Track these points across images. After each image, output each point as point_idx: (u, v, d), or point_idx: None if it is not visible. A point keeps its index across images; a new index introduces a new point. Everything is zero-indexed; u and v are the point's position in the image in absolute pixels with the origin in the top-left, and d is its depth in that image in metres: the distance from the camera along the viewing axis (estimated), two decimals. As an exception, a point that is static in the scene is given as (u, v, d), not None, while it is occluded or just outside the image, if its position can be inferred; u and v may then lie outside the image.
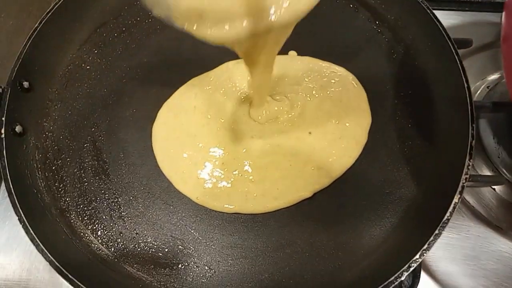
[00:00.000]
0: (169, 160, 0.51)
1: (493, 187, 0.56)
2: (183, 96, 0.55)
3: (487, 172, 0.57)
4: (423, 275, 0.51)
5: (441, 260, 0.53)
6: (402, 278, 0.40)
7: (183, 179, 0.50)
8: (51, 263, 0.41)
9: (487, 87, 0.61)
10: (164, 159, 0.51)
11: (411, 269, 0.40)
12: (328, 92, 0.55)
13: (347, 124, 0.53)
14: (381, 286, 0.40)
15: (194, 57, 0.56)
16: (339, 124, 0.53)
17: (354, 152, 0.51)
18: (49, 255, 0.42)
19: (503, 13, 0.48)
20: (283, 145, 0.52)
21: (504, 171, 0.56)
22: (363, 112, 0.54)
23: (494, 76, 0.63)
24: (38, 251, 0.42)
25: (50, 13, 0.53)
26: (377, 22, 0.58)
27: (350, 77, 0.56)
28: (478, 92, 0.62)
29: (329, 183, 0.49)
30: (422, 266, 0.51)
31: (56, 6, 0.54)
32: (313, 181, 0.50)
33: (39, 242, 0.42)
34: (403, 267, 0.40)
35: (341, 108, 0.54)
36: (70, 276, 0.40)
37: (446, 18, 0.68)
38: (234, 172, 0.51)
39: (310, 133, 0.53)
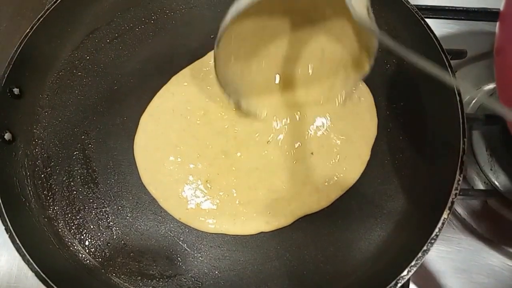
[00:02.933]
0: (150, 174, 0.50)
1: (485, 200, 0.55)
2: (161, 98, 0.54)
3: (479, 184, 0.57)
4: (412, 288, 0.51)
5: (431, 273, 0.52)
6: (389, 295, 0.40)
7: (165, 197, 0.49)
8: (36, 274, 0.41)
9: (482, 97, 0.61)
10: (145, 173, 0.50)
11: (399, 285, 0.40)
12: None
13: (353, 140, 0.52)
14: (369, 302, 0.40)
15: (188, 65, 0.55)
16: (346, 140, 0.52)
17: (356, 173, 0.50)
18: (35, 265, 0.41)
19: (497, 24, 0.47)
20: (276, 162, 0.51)
21: (496, 183, 0.55)
22: (370, 124, 0.53)
23: (489, 86, 0.62)
24: (24, 261, 0.42)
25: (41, 19, 0.53)
26: (371, 32, 0.57)
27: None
28: (472, 103, 0.61)
29: (327, 205, 0.48)
30: (412, 278, 0.51)
31: (48, 11, 0.53)
32: (309, 203, 0.48)
33: (25, 253, 0.42)
34: (390, 283, 0.40)
35: (349, 120, 0.53)
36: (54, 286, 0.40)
37: (442, 27, 0.67)
38: (220, 193, 0.49)
39: (312, 153, 0.51)
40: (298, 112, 0.53)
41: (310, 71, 0.52)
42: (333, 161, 0.51)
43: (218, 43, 0.43)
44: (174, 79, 0.55)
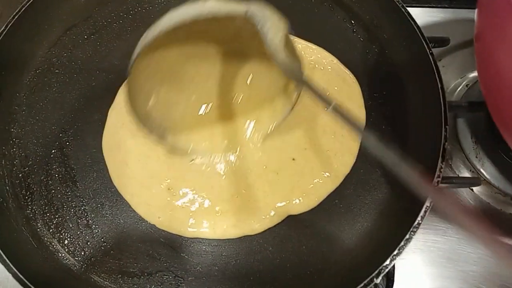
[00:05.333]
0: (118, 175, 0.49)
1: (471, 188, 0.55)
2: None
3: (465, 173, 0.56)
4: (400, 278, 0.50)
5: (418, 262, 0.52)
6: (372, 284, 0.39)
7: (134, 203, 0.48)
8: (14, 275, 0.41)
9: (466, 85, 0.61)
10: (113, 173, 0.49)
11: (382, 274, 0.40)
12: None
13: (342, 136, 0.50)
14: (351, 292, 0.39)
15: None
16: (335, 138, 0.50)
17: (348, 167, 0.49)
18: (12, 267, 0.41)
19: (476, 10, 0.47)
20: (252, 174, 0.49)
21: (482, 171, 0.55)
22: (359, 114, 0.51)
23: (473, 74, 0.62)
24: (1, 262, 0.41)
25: (17, 16, 0.52)
26: (352, 22, 0.56)
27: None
28: (457, 90, 0.61)
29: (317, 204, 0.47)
30: (399, 268, 0.50)
31: (24, 8, 0.52)
32: (297, 208, 0.47)
33: (1, 253, 0.41)
34: (373, 272, 0.39)
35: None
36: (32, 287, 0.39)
37: (425, 16, 0.67)
38: (194, 206, 0.47)
39: (293, 159, 0.50)
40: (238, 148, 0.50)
41: (238, 101, 0.50)
42: (322, 160, 0.49)
43: (131, 71, 0.39)
44: None
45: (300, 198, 0.48)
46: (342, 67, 0.54)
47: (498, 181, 0.55)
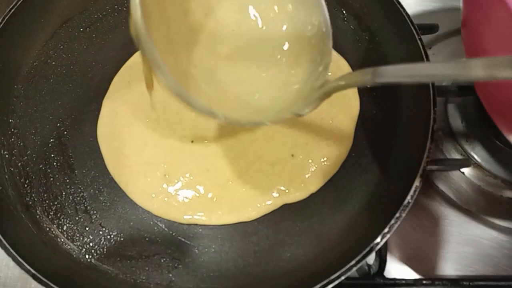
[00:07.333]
0: (113, 163, 0.50)
1: (462, 170, 0.56)
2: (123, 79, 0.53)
3: (456, 156, 0.57)
4: (392, 260, 0.51)
5: (411, 244, 0.53)
6: (364, 262, 0.40)
7: (130, 191, 0.48)
8: (14, 259, 0.41)
9: (456, 72, 0.62)
10: (109, 162, 0.50)
11: (373, 252, 0.40)
12: None
13: (331, 122, 0.51)
14: (344, 269, 0.40)
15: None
16: (332, 124, 0.50)
17: (345, 152, 0.50)
18: (11, 250, 0.41)
19: (461, -4, 0.48)
20: (253, 150, 0.50)
21: (473, 154, 0.56)
22: (353, 102, 0.52)
23: (463, 62, 0.63)
24: (1, 246, 0.42)
25: (13, 9, 0.53)
26: (342, 10, 0.57)
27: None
28: (448, 77, 0.62)
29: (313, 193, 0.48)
30: (391, 250, 0.52)
31: (20, 2, 0.53)
32: (294, 196, 0.48)
33: (1, 239, 0.42)
34: (363, 250, 0.40)
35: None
36: (33, 271, 0.40)
37: (416, 4, 0.68)
38: (189, 193, 0.48)
39: (292, 155, 0.50)
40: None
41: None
42: (320, 149, 0.50)
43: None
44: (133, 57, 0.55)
45: (298, 188, 0.48)
46: (335, 53, 0.55)
47: (488, 164, 0.56)
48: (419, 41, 0.49)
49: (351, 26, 0.57)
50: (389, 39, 0.54)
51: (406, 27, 0.50)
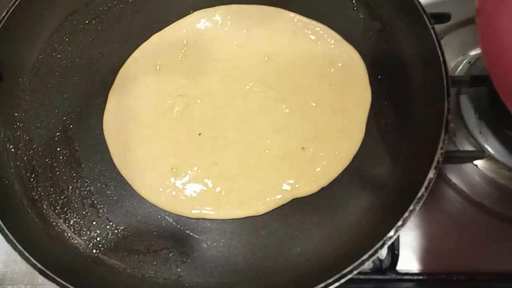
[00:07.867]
0: (120, 157, 0.49)
1: (475, 163, 0.55)
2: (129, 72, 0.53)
3: (469, 148, 0.56)
4: (405, 253, 0.50)
5: (423, 238, 0.52)
6: (376, 256, 0.39)
7: (137, 185, 0.48)
8: (20, 254, 0.41)
9: (468, 62, 0.60)
10: (115, 156, 0.49)
11: (386, 246, 0.39)
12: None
13: (342, 113, 0.50)
14: (356, 263, 0.39)
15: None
16: (343, 115, 0.50)
17: (356, 145, 0.49)
18: (18, 245, 0.41)
19: (476, -16, 0.46)
20: (262, 143, 0.49)
21: (486, 146, 0.55)
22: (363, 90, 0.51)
23: (475, 51, 0.62)
24: (7, 241, 0.41)
25: (17, 2, 0.52)
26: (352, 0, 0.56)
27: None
28: (460, 68, 0.60)
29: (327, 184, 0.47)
30: (403, 244, 0.50)
31: (24, -5, 0.52)
32: (305, 190, 0.47)
33: (8, 233, 0.41)
34: (377, 244, 0.39)
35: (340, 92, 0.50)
36: (39, 266, 0.40)
37: (427, -6, 0.66)
38: (197, 187, 0.47)
39: (303, 148, 0.49)
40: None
41: None
42: (332, 141, 0.49)
43: None
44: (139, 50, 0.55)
45: (308, 181, 0.47)
46: (345, 43, 0.54)
47: (502, 156, 0.54)
48: (432, 30, 0.48)
49: (361, 15, 0.55)
50: (401, 28, 0.53)
51: (419, 16, 0.49)
